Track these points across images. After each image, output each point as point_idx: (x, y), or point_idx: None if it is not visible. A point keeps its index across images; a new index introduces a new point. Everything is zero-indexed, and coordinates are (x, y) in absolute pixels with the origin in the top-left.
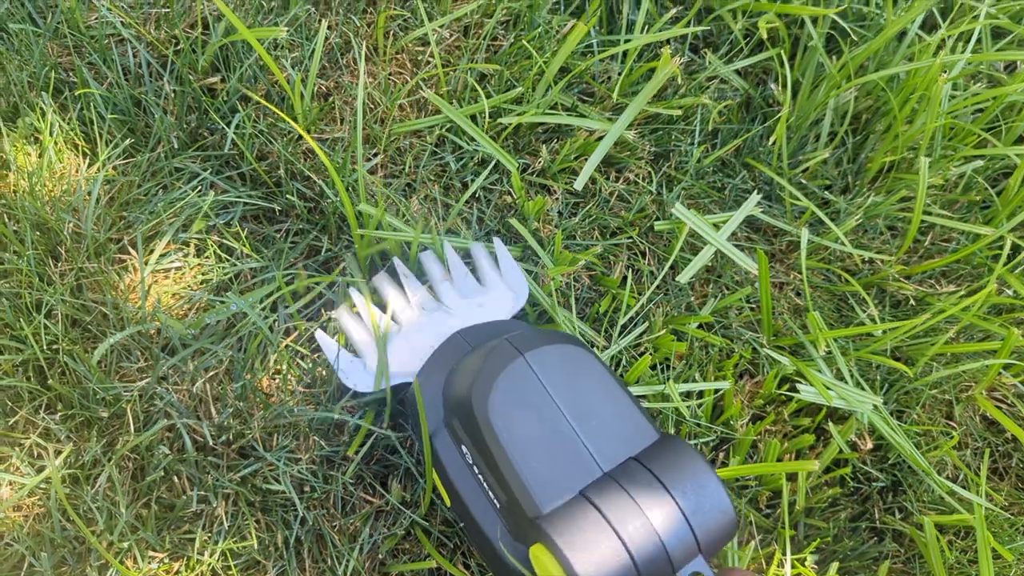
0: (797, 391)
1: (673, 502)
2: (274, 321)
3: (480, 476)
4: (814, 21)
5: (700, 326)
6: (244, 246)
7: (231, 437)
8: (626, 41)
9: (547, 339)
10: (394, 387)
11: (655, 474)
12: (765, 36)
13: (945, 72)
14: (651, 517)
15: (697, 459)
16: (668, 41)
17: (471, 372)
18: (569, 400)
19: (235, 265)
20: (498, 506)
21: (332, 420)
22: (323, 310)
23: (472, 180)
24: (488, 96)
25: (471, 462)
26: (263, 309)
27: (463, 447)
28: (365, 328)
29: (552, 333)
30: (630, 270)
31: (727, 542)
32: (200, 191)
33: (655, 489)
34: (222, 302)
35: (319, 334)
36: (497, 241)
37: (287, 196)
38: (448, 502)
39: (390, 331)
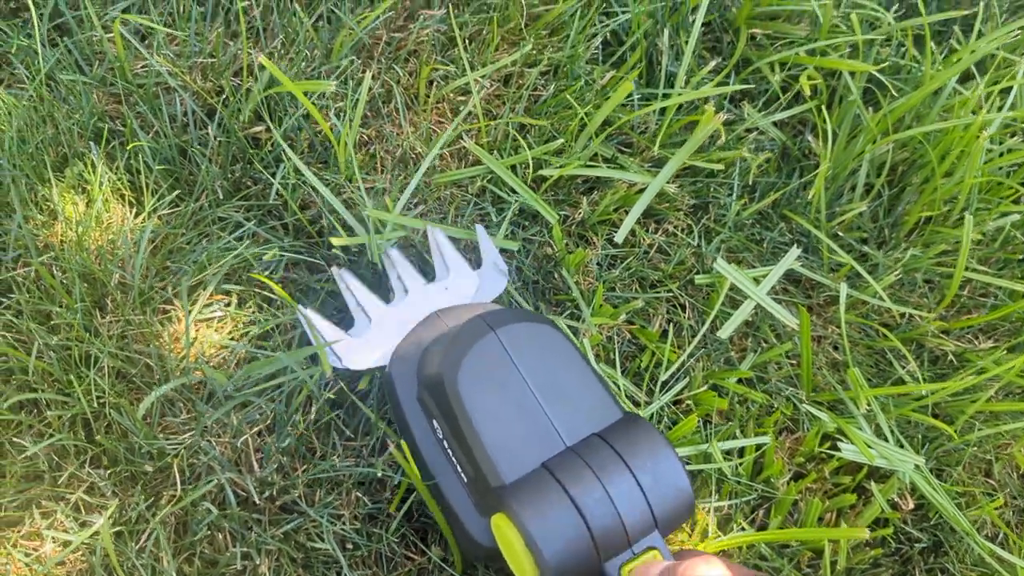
0: (838, 449)
1: (632, 478)
2: (318, 375)
3: (449, 451)
4: (851, 74)
5: (739, 381)
6: (287, 297)
7: (274, 493)
8: (666, 96)
9: (520, 317)
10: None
11: (616, 450)
12: (808, 93)
13: (985, 129)
14: (610, 491)
15: (658, 439)
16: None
17: (444, 347)
18: (537, 376)
19: (276, 316)
20: (465, 481)
21: (375, 476)
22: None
23: (514, 231)
24: (529, 147)
25: (441, 437)
26: (306, 360)
27: (434, 422)
28: (358, 303)
29: (526, 312)
30: (671, 324)
31: (684, 520)
32: (247, 243)
33: (615, 464)
34: (267, 355)
35: (301, 312)
36: (479, 228)
37: (331, 250)
38: (418, 477)
39: (361, 326)
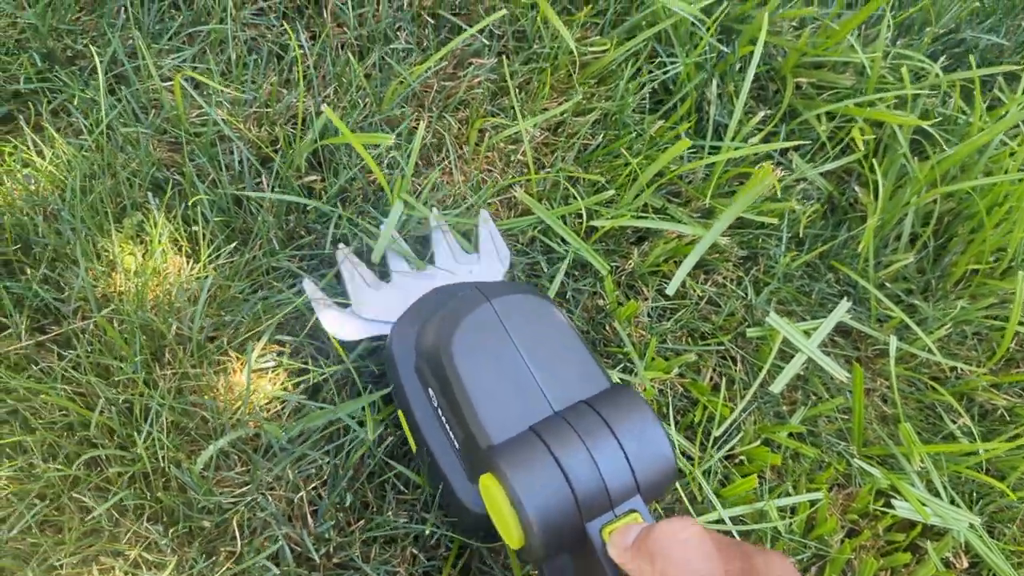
0: (891, 506)
1: (616, 443)
2: (375, 431)
3: (443, 418)
4: (899, 126)
5: (790, 435)
6: (342, 351)
7: (331, 549)
8: (716, 149)
9: (514, 289)
10: (377, 337)
11: (602, 416)
12: (861, 148)
13: None
14: (594, 454)
15: (644, 408)
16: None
17: (441, 317)
18: (529, 345)
19: (329, 365)
20: (457, 446)
21: (429, 532)
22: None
23: (565, 282)
24: (580, 197)
25: (436, 405)
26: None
27: (429, 390)
28: (358, 279)
29: (520, 285)
30: (723, 378)
31: (667, 487)
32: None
33: (601, 430)
34: (320, 407)
35: (306, 283)
36: (484, 213)
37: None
38: (414, 447)
39: (380, 284)
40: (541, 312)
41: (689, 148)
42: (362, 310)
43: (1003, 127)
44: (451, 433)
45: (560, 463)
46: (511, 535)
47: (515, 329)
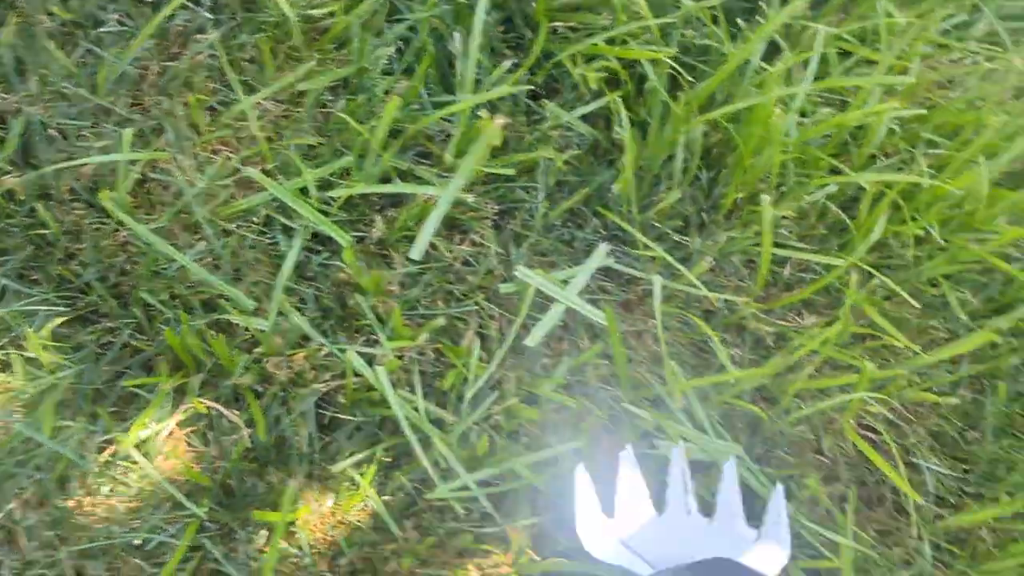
0: (655, 447)
1: None
2: (88, 435)
3: None
4: (654, 62)
5: (557, 388)
6: (48, 356)
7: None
8: (446, 103)
9: None
10: (625, 569)
11: None
12: (595, 86)
13: (784, 104)
14: None
15: None
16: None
17: None
18: None
19: (43, 378)
20: None
21: (152, 540)
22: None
23: (309, 257)
24: (316, 167)
25: None
26: (74, 426)
27: None
28: (631, 495)
29: None
30: (480, 337)
31: None
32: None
33: None
34: (30, 424)
35: (579, 472)
36: (780, 489)
37: (98, 297)
38: None
39: (651, 516)
40: None
41: (433, 104)
42: (623, 532)
43: (750, 48)
44: None
45: None
46: None
47: None
